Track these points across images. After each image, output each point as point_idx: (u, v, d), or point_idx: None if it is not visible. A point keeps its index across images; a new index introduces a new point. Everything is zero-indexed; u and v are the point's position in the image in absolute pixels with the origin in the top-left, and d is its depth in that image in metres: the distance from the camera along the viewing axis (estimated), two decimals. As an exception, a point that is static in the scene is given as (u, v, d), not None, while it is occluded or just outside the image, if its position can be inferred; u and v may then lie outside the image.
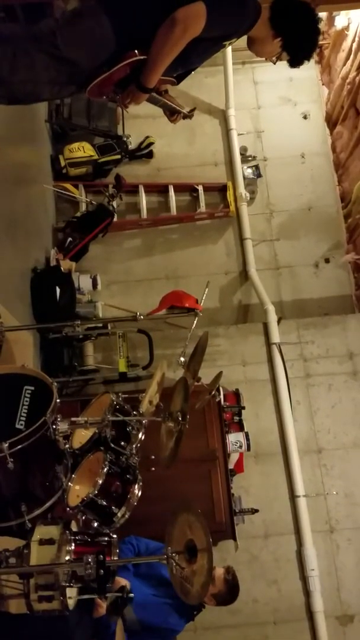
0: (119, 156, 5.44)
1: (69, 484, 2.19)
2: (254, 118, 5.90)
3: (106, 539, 2.06)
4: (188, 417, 2.34)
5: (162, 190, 5.59)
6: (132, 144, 5.61)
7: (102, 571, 1.85)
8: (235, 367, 4.55)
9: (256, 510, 4.10)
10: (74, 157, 5.25)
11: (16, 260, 3.86)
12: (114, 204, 4.87)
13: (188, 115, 2.45)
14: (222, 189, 5.61)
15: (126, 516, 2.20)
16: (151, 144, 5.67)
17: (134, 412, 2.40)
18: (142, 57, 2.07)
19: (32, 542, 1.92)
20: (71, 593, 1.91)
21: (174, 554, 2.01)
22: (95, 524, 2.19)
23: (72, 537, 1.97)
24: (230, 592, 3.10)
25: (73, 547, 1.94)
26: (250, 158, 5.72)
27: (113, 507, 2.19)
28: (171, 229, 5.53)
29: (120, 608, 2.18)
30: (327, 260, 5.42)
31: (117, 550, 2.04)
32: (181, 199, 5.59)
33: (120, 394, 2.46)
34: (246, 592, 3.84)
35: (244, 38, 2.25)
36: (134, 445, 2.33)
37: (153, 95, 2.23)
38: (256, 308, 5.17)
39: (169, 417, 2.36)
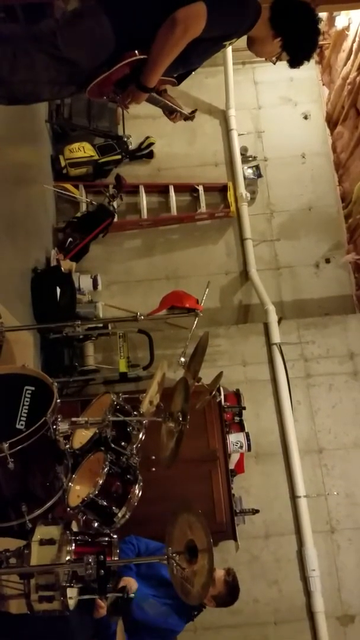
0: (119, 156, 5.44)
1: (70, 484, 2.19)
2: (254, 118, 5.90)
3: (107, 539, 2.07)
4: (188, 417, 2.34)
5: (162, 190, 5.59)
6: (133, 144, 5.61)
7: (102, 571, 1.85)
8: (235, 368, 4.55)
9: (257, 511, 4.10)
10: (74, 157, 5.26)
11: (16, 261, 3.86)
12: (115, 204, 4.87)
13: (189, 117, 2.45)
14: (223, 189, 5.61)
15: (127, 516, 2.20)
16: (151, 144, 5.67)
17: (135, 413, 2.40)
18: (142, 57, 2.07)
19: (33, 542, 1.92)
20: (72, 593, 1.91)
21: (174, 555, 2.01)
22: (96, 524, 2.19)
23: (73, 538, 1.97)
24: (230, 593, 3.10)
25: (73, 548, 1.94)
26: (250, 158, 5.72)
27: (113, 508, 2.19)
28: (171, 229, 5.53)
29: (121, 608, 2.18)
30: (327, 261, 5.42)
31: (118, 551, 2.04)
32: (181, 199, 5.59)
33: (120, 394, 2.46)
34: (247, 592, 3.84)
35: (244, 38, 2.25)
36: (134, 446, 2.33)
37: (153, 95, 2.23)
38: (257, 308, 5.16)
39: (169, 418, 2.36)
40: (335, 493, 4.31)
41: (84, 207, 5.21)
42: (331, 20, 5.47)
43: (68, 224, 4.99)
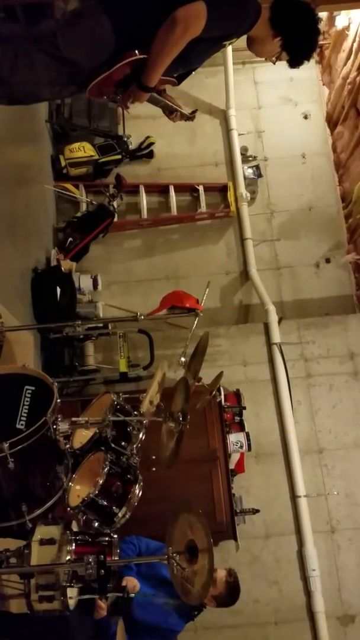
0: (119, 156, 5.44)
1: (70, 484, 2.19)
2: (254, 118, 5.90)
3: (107, 539, 2.06)
4: (189, 417, 2.34)
5: (162, 190, 5.59)
6: (133, 144, 5.61)
7: (102, 571, 1.85)
8: (236, 367, 4.55)
9: (257, 511, 4.10)
10: (74, 157, 5.26)
11: (17, 261, 3.86)
12: (115, 204, 4.87)
13: (190, 117, 2.44)
14: (223, 189, 5.61)
15: (127, 516, 2.20)
16: (152, 144, 5.67)
17: (135, 412, 2.40)
18: (142, 57, 2.07)
19: (33, 542, 1.92)
20: (72, 593, 1.91)
21: (174, 554, 2.01)
22: (96, 524, 2.19)
23: (73, 537, 1.97)
24: (231, 594, 3.10)
25: (74, 547, 1.94)
26: (250, 158, 5.72)
27: (114, 507, 2.19)
28: (172, 229, 5.53)
29: (121, 608, 2.18)
30: (327, 261, 5.42)
31: (118, 550, 2.04)
32: (182, 199, 5.59)
33: (120, 394, 2.46)
34: (247, 592, 3.84)
35: (244, 38, 2.25)
36: (134, 446, 2.33)
37: (154, 95, 2.23)
38: (257, 308, 5.16)
39: (169, 417, 2.36)
40: (335, 493, 4.31)
41: (84, 207, 5.21)
42: (331, 20, 5.47)
43: (68, 223, 4.99)
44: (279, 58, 2.28)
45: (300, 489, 4.24)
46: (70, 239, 4.82)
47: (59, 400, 1.93)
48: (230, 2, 2.11)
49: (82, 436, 2.36)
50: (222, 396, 4.08)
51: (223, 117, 5.88)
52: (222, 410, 4.02)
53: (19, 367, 2.12)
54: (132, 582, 2.78)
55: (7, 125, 3.79)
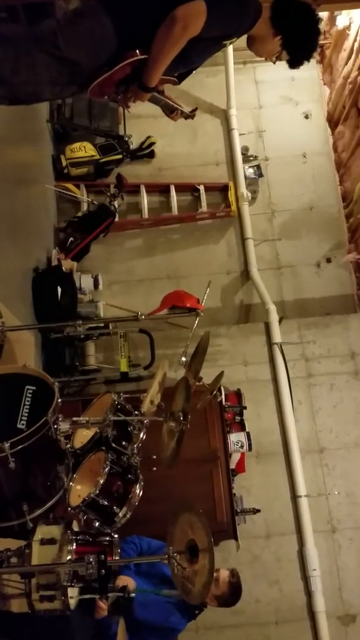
0: (120, 156, 5.44)
1: (71, 483, 2.19)
2: (255, 118, 5.90)
3: (107, 538, 2.07)
4: (189, 417, 2.34)
5: (163, 190, 5.59)
6: (134, 144, 5.61)
7: (103, 571, 1.85)
8: (236, 367, 4.55)
9: (258, 510, 4.10)
10: (75, 157, 5.26)
11: (17, 260, 3.86)
12: (116, 203, 4.87)
13: (190, 115, 2.45)
14: (224, 188, 5.61)
15: (127, 516, 2.20)
16: (152, 143, 5.67)
17: (136, 412, 2.40)
18: (143, 57, 2.07)
19: (34, 541, 1.93)
20: (72, 593, 1.91)
21: (175, 554, 2.01)
22: (97, 524, 2.19)
23: (74, 537, 1.98)
24: (233, 594, 3.10)
25: (74, 547, 1.95)
26: (251, 158, 5.72)
27: (114, 507, 2.19)
28: (172, 229, 5.53)
29: (122, 608, 2.18)
30: (328, 260, 5.42)
31: (119, 550, 2.04)
32: (182, 199, 5.59)
33: (121, 394, 2.46)
34: (248, 592, 3.83)
35: (245, 37, 2.25)
36: (135, 445, 2.33)
37: (154, 94, 2.23)
38: (258, 308, 5.16)
39: (170, 417, 2.36)
40: (336, 492, 4.31)
41: (85, 207, 5.21)
42: (332, 20, 5.47)
43: (69, 223, 5.00)
44: (279, 58, 2.28)
45: (301, 489, 4.25)
46: (71, 238, 4.82)
47: (59, 400, 1.93)
48: (230, 2, 2.11)
49: (83, 436, 2.36)
50: (223, 396, 4.08)
51: (224, 116, 5.88)
52: (222, 410, 4.02)
53: (20, 366, 2.12)
54: (127, 582, 2.77)
55: (8, 125, 3.80)
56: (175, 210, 5.44)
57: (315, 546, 4.16)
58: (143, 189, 5.47)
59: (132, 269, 5.37)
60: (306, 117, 5.90)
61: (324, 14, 5.28)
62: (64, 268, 4.41)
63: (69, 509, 2.18)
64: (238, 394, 4.34)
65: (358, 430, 4.46)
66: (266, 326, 4.68)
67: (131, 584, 2.77)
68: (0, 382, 2.06)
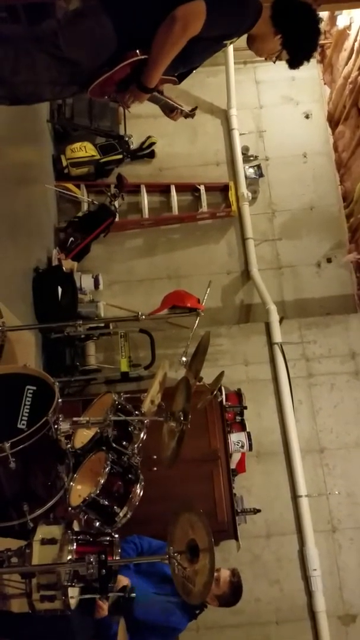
0: (120, 156, 5.44)
1: (71, 483, 2.19)
2: (255, 118, 5.90)
3: (108, 538, 2.07)
4: (190, 416, 2.34)
5: (163, 190, 5.59)
6: (134, 144, 5.61)
7: (103, 571, 1.85)
8: (237, 367, 4.55)
9: (258, 510, 4.09)
10: (75, 157, 5.26)
11: (18, 260, 3.86)
12: (116, 203, 4.87)
13: (190, 115, 2.45)
14: (224, 188, 5.61)
15: (128, 516, 2.20)
16: (153, 143, 5.67)
17: (136, 412, 2.40)
18: (143, 57, 2.07)
19: (34, 541, 1.92)
20: (73, 593, 1.91)
21: (176, 554, 2.01)
22: (97, 524, 2.19)
23: (74, 537, 1.98)
24: (233, 594, 3.10)
25: (75, 547, 1.94)
26: (252, 158, 5.72)
27: (115, 507, 2.19)
28: (173, 229, 5.53)
29: (122, 608, 2.18)
30: (329, 260, 5.41)
31: (119, 550, 2.04)
32: (183, 199, 5.59)
33: (122, 394, 2.46)
34: (248, 591, 3.82)
35: (245, 37, 2.25)
36: (135, 445, 2.33)
37: (155, 94, 2.23)
38: (258, 308, 5.16)
39: (170, 417, 2.36)
40: (336, 492, 4.31)
41: (85, 207, 5.22)
42: (333, 20, 5.47)
43: (69, 223, 4.99)
44: (279, 57, 2.28)
45: (302, 489, 4.25)
46: (71, 238, 4.82)
47: (60, 400, 1.93)
48: (230, 2, 2.11)
49: (84, 436, 2.36)
50: (224, 396, 4.08)
51: (224, 116, 5.88)
52: (223, 410, 4.02)
53: (20, 366, 2.12)
54: (119, 581, 2.76)
55: (9, 126, 3.80)
56: (175, 210, 5.44)
57: (315, 546, 4.16)
58: (143, 189, 5.47)
59: (132, 268, 5.37)
60: (306, 117, 5.90)
61: (324, 14, 5.28)
62: (64, 268, 4.41)
63: (70, 508, 2.18)
64: (238, 394, 4.34)
65: (358, 430, 4.45)
66: (267, 326, 4.68)
67: (124, 583, 2.77)
68: (1, 382, 2.06)
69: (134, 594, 2.23)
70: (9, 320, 3.13)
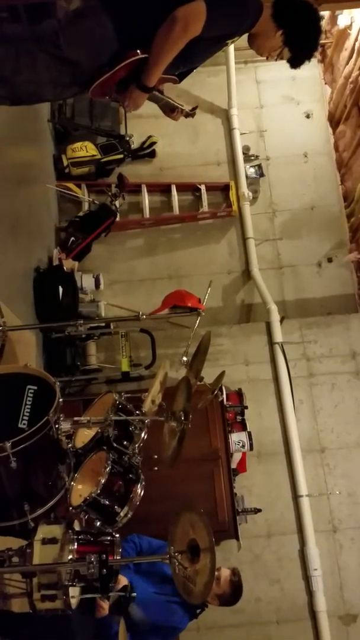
0: (121, 156, 5.44)
1: (72, 483, 2.19)
2: (256, 117, 5.90)
3: (109, 538, 2.07)
4: (190, 416, 2.34)
5: (164, 189, 5.59)
6: (135, 144, 5.61)
7: (104, 570, 1.85)
8: (237, 367, 4.55)
9: (259, 510, 4.09)
10: (76, 156, 5.26)
11: (19, 260, 3.86)
12: (117, 203, 4.86)
13: (190, 114, 2.45)
14: (225, 188, 5.61)
15: (129, 515, 2.20)
16: (154, 143, 5.67)
17: (137, 412, 2.40)
18: (143, 57, 2.07)
19: (35, 541, 1.92)
20: (74, 592, 1.91)
21: (176, 554, 2.01)
22: (98, 524, 2.19)
23: (75, 537, 1.97)
24: (234, 593, 3.10)
25: (76, 547, 1.94)
26: (252, 157, 5.72)
27: (116, 507, 2.19)
28: (174, 229, 5.52)
29: (123, 608, 2.18)
30: (329, 260, 5.41)
31: (120, 550, 2.04)
32: (184, 199, 5.59)
33: (122, 394, 2.46)
34: (249, 591, 3.83)
35: (246, 37, 2.25)
36: (136, 445, 2.32)
37: (155, 94, 2.23)
38: (259, 307, 5.16)
39: (171, 417, 2.36)
40: (337, 492, 4.31)
41: (86, 207, 5.21)
42: (333, 19, 5.46)
43: (70, 223, 4.99)
44: (280, 55, 2.27)
45: (302, 489, 4.24)
46: (72, 238, 4.82)
47: (61, 400, 1.93)
48: (230, 2, 2.11)
49: (84, 435, 2.36)
50: (224, 395, 4.08)
51: (225, 116, 5.88)
52: (224, 410, 4.02)
53: (21, 366, 2.12)
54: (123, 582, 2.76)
55: (10, 125, 3.80)
56: (176, 210, 5.45)
57: (316, 546, 4.16)
58: (144, 189, 5.47)
59: (133, 268, 5.37)
60: (307, 116, 5.89)
61: (325, 13, 5.28)
62: (65, 268, 4.41)
63: (70, 508, 2.18)
64: (239, 394, 4.34)
65: (359, 430, 4.45)
66: (267, 326, 4.67)
67: (123, 582, 2.77)
68: (2, 382, 2.06)
69: (135, 594, 2.23)
70: (9, 320, 3.13)
